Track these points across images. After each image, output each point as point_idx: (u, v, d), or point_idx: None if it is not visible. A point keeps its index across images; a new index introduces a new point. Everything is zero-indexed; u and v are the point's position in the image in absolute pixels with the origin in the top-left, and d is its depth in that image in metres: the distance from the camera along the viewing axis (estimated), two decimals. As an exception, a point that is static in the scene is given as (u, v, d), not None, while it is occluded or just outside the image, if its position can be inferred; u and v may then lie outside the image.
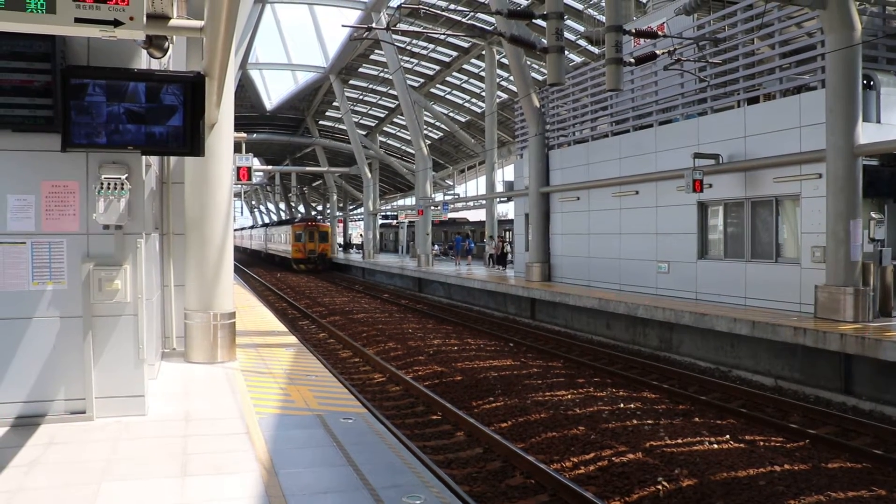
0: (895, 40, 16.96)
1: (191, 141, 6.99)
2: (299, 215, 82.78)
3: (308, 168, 62.04)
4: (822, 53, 15.63)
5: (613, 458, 9.36)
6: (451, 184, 61.52)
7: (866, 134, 14.93)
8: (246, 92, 47.46)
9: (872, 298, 14.91)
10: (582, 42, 33.03)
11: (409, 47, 38.47)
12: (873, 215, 15.30)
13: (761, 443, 10.31)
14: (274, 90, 65.85)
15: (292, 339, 14.46)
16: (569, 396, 12.72)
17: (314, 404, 8.72)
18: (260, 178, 76.91)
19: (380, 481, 6.02)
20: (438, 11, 27.76)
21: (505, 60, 31.57)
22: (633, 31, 16.42)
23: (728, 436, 10.49)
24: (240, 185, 43.23)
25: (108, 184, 7.16)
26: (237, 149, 18.01)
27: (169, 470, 6.16)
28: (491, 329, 22.15)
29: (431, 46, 38.58)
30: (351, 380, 14.48)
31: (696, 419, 11.48)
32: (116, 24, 4.70)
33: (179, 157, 11.30)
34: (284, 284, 42.37)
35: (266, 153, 66.21)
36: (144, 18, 4.82)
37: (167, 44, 7.25)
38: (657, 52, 16.82)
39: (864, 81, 15.52)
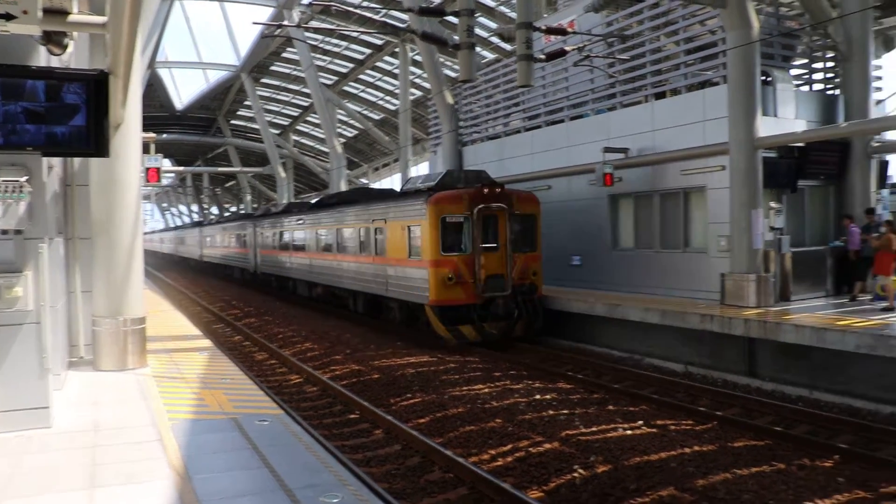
0: (789, 39, 17.78)
1: (95, 141, 6.81)
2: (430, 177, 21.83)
3: (221, 168, 60.76)
4: (723, 50, 16.24)
5: (530, 449, 9.51)
6: (367, 182, 61.25)
7: (765, 127, 15.63)
8: (155, 91, 46.18)
9: (773, 284, 15.62)
10: (495, 39, 33.34)
11: (321, 45, 38.11)
12: (772, 205, 15.99)
13: (672, 427, 10.64)
14: (184, 89, 64.27)
15: (207, 342, 14.22)
16: (486, 390, 12.86)
17: (229, 408, 8.61)
18: (171, 179, 75.05)
19: (296, 482, 6.01)
20: (351, 9, 27.59)
21: (418, 58, 31.63)
22: (544, 27, 16.67)
23: (641, 421, 10.80)
24: (149, 187, 41.73)
25: (6, 187, 6.89)
26: (146, 149, 17.50)
27: (76, 482, 5.98)
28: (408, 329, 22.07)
29: (344, 44, 38.32)
30: (267, 382, 14.28)
31: (611, 407, 11.77)
32: (8, 17, 4.57)
33: (84, 159, 10.96)
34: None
35: (177, 154, 64.48)
36: (40, 13, 4.69)
37: (67, 40, 7.03)
38: (567, 48, 17.13)
39: (763, 77, 16.21)
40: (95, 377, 10.37)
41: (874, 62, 17.72)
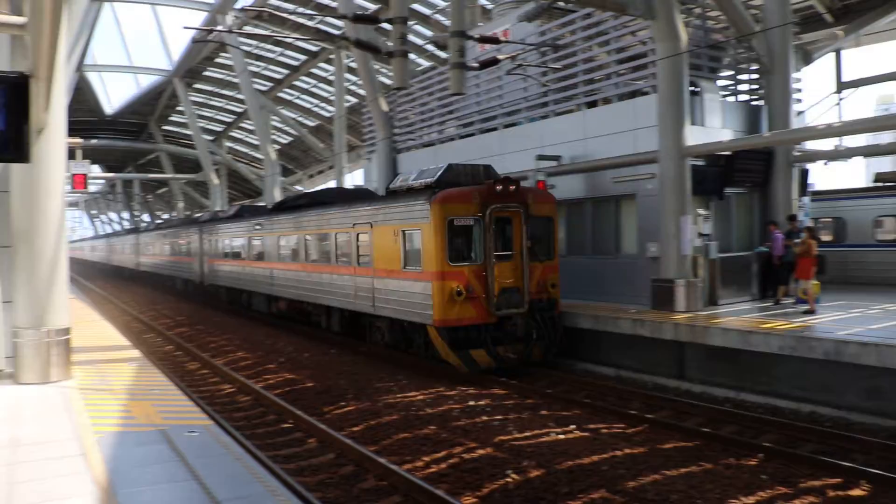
0: (715, 51, 18.31)
1: (14, 146, 6.62)
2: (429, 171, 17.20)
3: (152, 175, 59.55)
4: (653, 61, 16.60)
5: (464, 455, 9.54)
6: (301, 189, 60.77)
7: (693, 136, 16.03)
8: (84, 95, 44.87)
9: (702, 289, 16.01)
10: (430, 47, 33.48)
11: (256, 50, 37.71)
12: (700, 212, 16.39)
13: (604, 430, 10.80)
14: (114, 93, 62.09)
15: (136, 353, 13.89)
16: (420, 397, 12.85)
17: (157, 419, 8.42)
18: (100, 185, 73.13)
19: (225, 494, 5.91)
20: (285, 15, 27.39)
21: (354, 64, 31.55)
22: (478, 36, 16.80)
23: (573, 426, 10.93)
24: (77, 194, 40.29)
25: (-83, 192, 6.62)
26: (71, 155, 17.06)
27: (-9, 500, 5.77)
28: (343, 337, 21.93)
29: (279, 50, 38.00)
30: (199, 392, 14.01)
31: (544, 412, 11.87)
32: (-85, 17, 4.38)
33: (4, 164, 10.59)
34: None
35: (107, 160, 62.91)
36: (-51, 12, 4.51)
37: (-19, 41, 6.79)
38: (500, 57, 17.28)
39: (691, 88, 16.64)
40: (16, 391, 10.01)
41: (794, 75, 18.34)
